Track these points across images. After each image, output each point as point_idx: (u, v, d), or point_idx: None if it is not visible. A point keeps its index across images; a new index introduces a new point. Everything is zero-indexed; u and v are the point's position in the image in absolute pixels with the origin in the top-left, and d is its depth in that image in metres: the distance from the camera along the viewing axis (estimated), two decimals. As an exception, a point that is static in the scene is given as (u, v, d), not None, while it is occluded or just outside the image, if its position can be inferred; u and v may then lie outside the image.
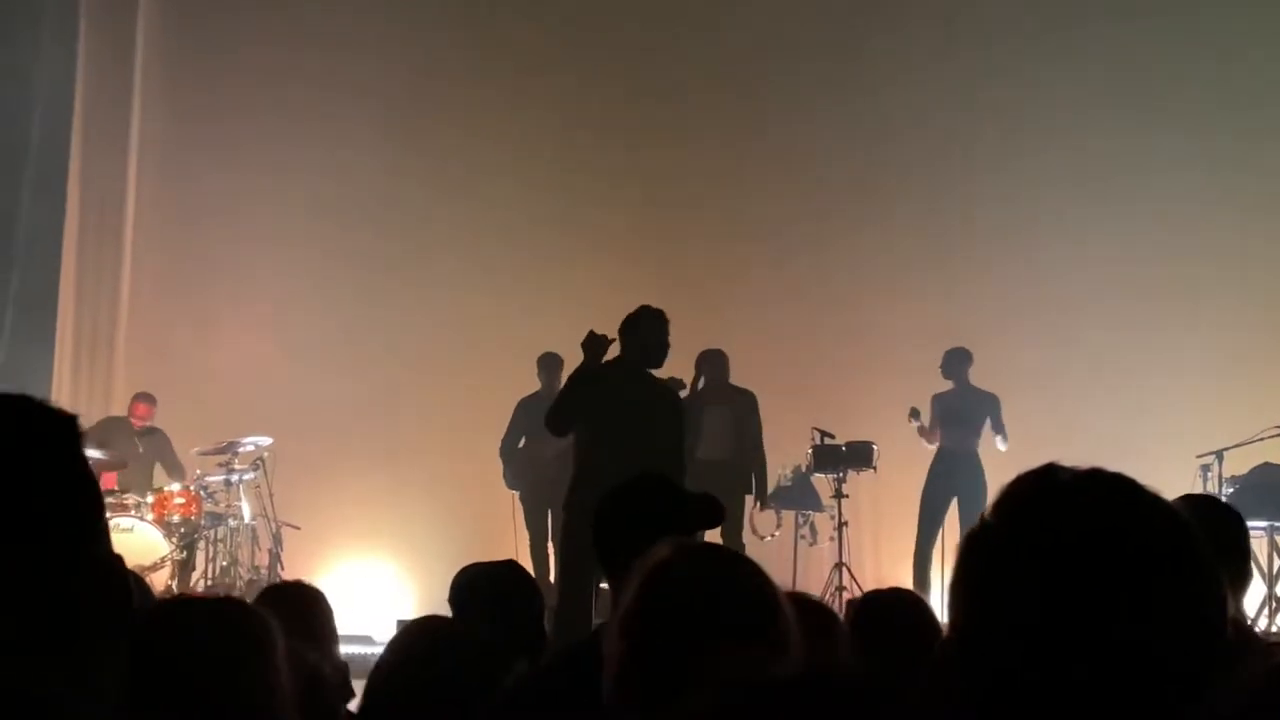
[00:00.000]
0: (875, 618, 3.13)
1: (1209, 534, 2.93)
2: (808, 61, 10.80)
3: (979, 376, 9.61)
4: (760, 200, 10.80)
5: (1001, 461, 8.78)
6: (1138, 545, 1.23)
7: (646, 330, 6.60)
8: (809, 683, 1.18)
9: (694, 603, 1.87)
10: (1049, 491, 1.27)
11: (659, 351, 6.62)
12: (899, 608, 3.22)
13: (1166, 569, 1.23)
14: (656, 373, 6.82)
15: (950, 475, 9.23)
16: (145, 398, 9.82)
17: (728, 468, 8.52)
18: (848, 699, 1.15)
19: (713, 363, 8.94)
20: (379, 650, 2.75)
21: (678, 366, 9.52)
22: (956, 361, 9.52)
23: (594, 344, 6.62)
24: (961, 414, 9.39)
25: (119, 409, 10.14)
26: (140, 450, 9.65)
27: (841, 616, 3.20)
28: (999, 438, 9.31)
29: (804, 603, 2.46)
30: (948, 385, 9.52)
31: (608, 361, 6.65)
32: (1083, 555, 1.22)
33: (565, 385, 6.97)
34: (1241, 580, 3.04)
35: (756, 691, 1.17)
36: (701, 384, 8.87)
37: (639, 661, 1.86)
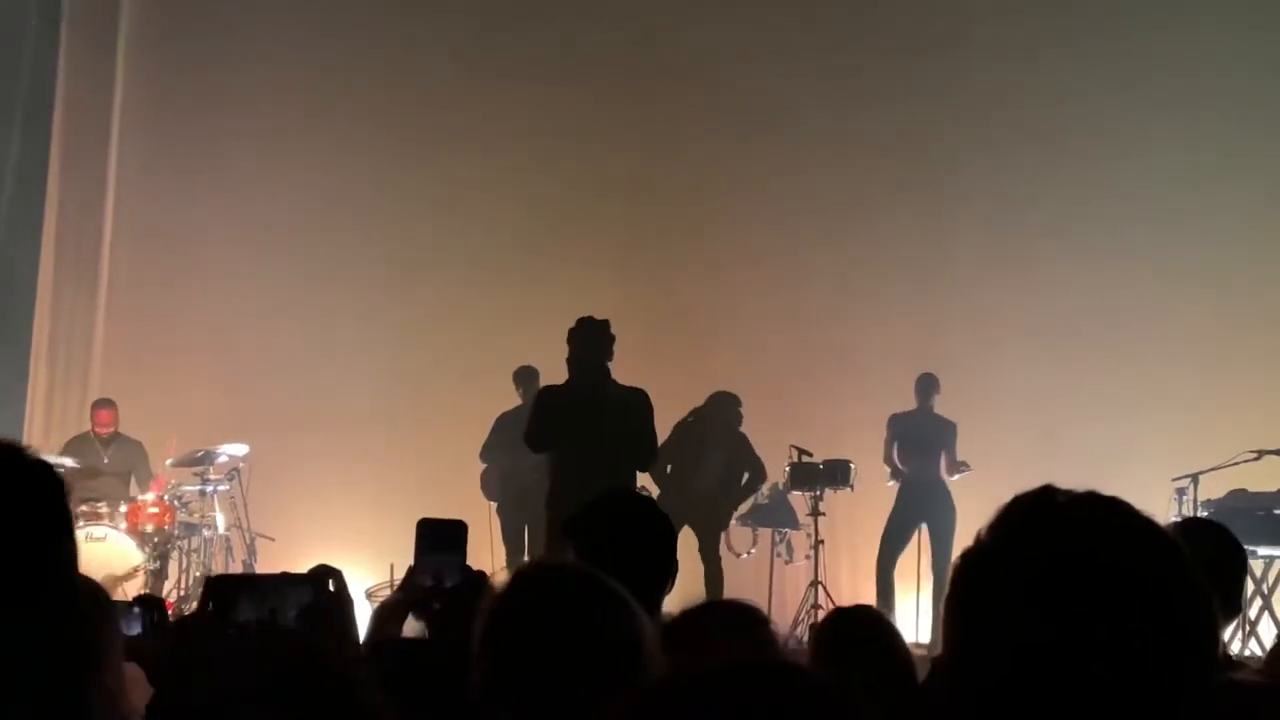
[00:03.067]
0: (840, 635, 3.12)
1: (1212, 560, 2.94)
2: (798, 81, 10.82)
3: (961, 397, 9.63)
4: (745, 216, 10.81)
5: (986, 483, 8.78)
6: (1132, 569, 1.24)
7: (574, 341, 6.78)
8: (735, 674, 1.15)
9: (535, 639, 1.79)
10: (1045, 513, 1.28)
11: (582, 361, 6.70)
12: (864, 626, 3.21)
13: (1160, 593, 1.24)
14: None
15: (914, 504, 9.25)
16: (105, 404, 9.72)
17: (714, 497, 9.11)
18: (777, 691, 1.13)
19: (720, 405, 9.29)
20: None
21: (666, 380, 9.54)
22: (924, 386, 9.53)
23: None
24: (920, 440, 9.39)
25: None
26: (105, 460, 9.57)
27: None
28: (951, 465, 9.27)
29: (728, 607, 2.43)
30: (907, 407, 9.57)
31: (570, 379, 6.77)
32: (1077, 578, 1.23)
33: (534, 405, 7.05)
34: (1231, 610, 3.05)
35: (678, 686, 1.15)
36: (707, 417, 9.27)
37: (496, 686, 1.80)
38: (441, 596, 2.49)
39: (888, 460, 9.42)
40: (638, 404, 6.70)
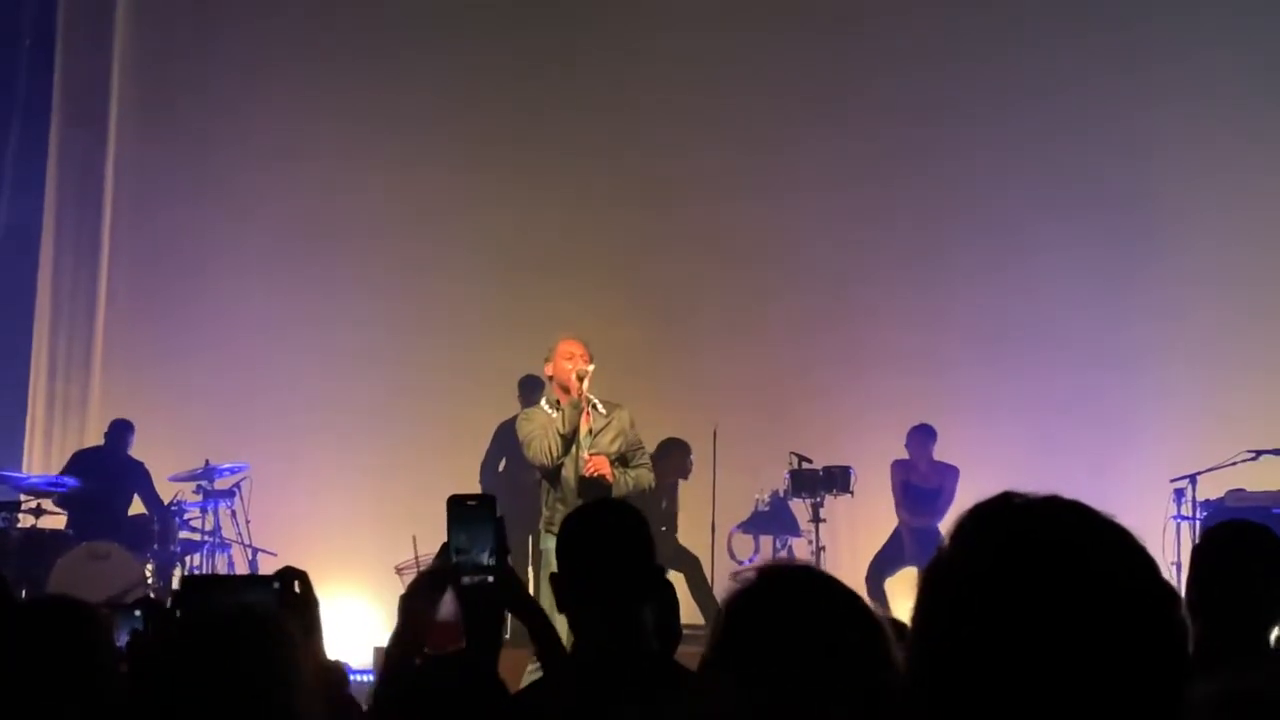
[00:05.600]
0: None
1: (1263, 557, 2.94)
2: (798, 89, 10.80)
3: (959, 401, 9.64)
4: (743, 224, 10.79)
5: (984, 486, 8.77)
6: (1093, 570, 1.22)
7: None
8: None
9: (779, 633, 1.74)
10: (1004, 518, 1.27)
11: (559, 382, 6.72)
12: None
13: (1123, 594, 1.22)
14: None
15: (906, 546, 9.25)
16: (130, 426, 9.72)
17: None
18: None
19: (669, 453, 9.20)
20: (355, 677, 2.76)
21: (664, 387, 9.56)
22: (919, 440, 9.48)
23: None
24: (924, 493, 9.38)
25: (94, 434, 10.07)
26: (117, 479, 9.57)
27: None
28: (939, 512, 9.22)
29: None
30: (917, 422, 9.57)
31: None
32: (1038, 581, 1.21)
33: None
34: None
35: None
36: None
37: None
38: (474, 572, 2.52)
39: (900, 508, 9.44)
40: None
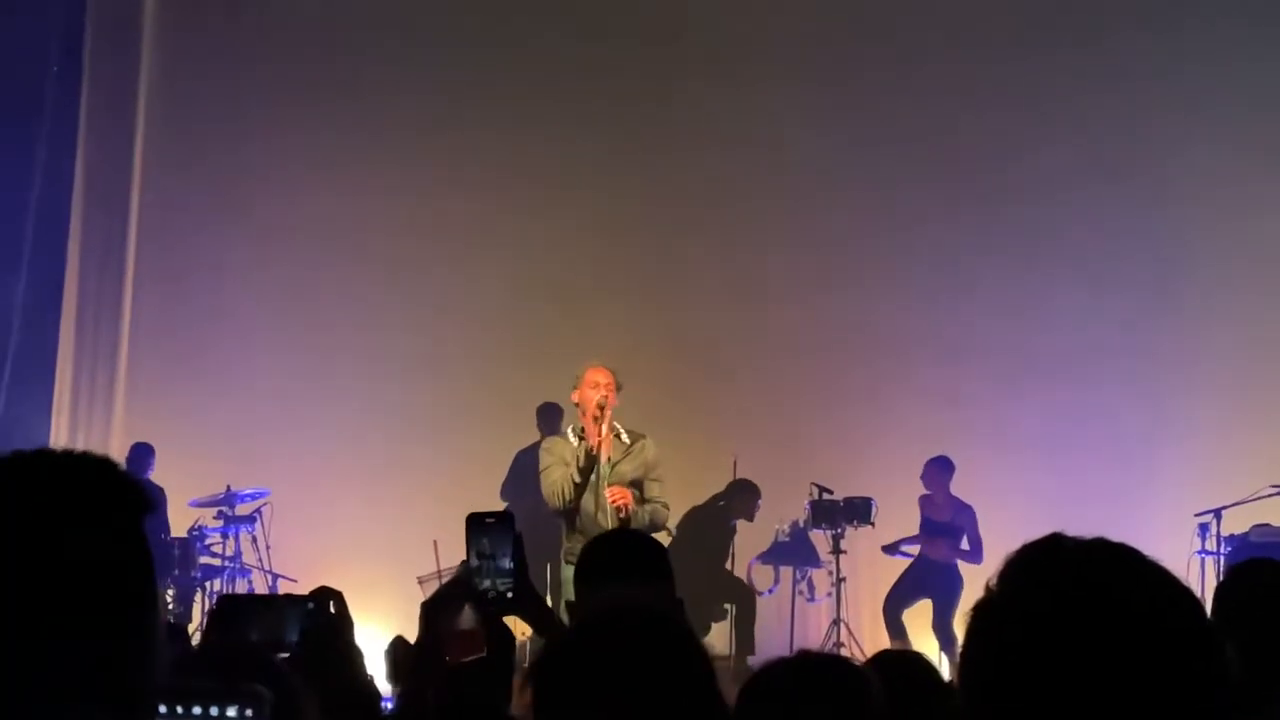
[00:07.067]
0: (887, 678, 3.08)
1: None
2: (820, 114, 10.79)
3: (981, 435, 9.61)
4: (765, 252, 10.79)
5: (1008, 522, 8.75)
6: (1141, 614, 1.24)
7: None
8: None
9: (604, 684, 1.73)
10: (1053, 560, 1.29)
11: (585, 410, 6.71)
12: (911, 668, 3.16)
13: (1170, 639, 1.24)
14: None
15: (921, 579, 9.25)
16: (151, 450, 9.74)
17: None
18: None
19: (741, 495, 9.63)
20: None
21: (685, 417, 9.55)
22: (935, 472, 9.48)
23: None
24: (938, 526, 9.38)
25: (116, 459, 10.07)
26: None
27: None
28: (971, 552, 9.21)
29: (839, 665, 2.36)
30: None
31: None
32: (1087, 624, 1.23)
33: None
34: None
35: None
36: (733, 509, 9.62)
37: None
38: (496, 577, 2.55)
39: (914, 540, 9.44)
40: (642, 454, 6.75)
